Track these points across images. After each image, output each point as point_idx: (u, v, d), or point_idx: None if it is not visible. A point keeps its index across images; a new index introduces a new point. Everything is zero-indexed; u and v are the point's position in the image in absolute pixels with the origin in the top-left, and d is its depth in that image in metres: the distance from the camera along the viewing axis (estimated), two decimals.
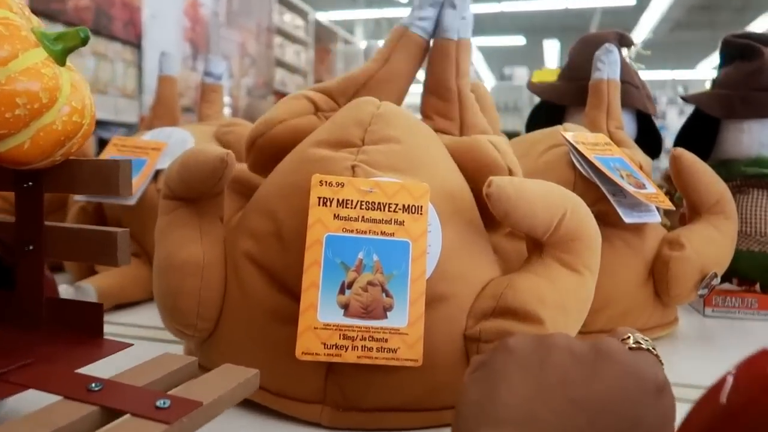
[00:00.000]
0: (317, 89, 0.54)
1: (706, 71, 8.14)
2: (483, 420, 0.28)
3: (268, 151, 0.52)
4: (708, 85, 0.89)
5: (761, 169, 0.74)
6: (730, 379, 0.22)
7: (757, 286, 0.78)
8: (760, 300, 0.75)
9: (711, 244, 0.63)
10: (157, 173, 0.78)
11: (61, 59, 0.40)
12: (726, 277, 0.72)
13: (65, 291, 0.66)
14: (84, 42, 0.40)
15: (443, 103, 0.54)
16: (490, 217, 0.49)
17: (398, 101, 0.55)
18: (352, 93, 0.53)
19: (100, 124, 2.77)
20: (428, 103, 0.55)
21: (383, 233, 0.41)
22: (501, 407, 0.28)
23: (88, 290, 0.68)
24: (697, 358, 0.60)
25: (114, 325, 0.67)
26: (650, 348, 0.32)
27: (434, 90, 0.54)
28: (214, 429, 0.33)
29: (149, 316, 0.71)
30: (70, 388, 0.33)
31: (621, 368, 0.29)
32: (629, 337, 0.33)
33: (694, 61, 7.89)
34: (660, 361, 0.32)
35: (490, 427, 0.27)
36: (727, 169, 0.75)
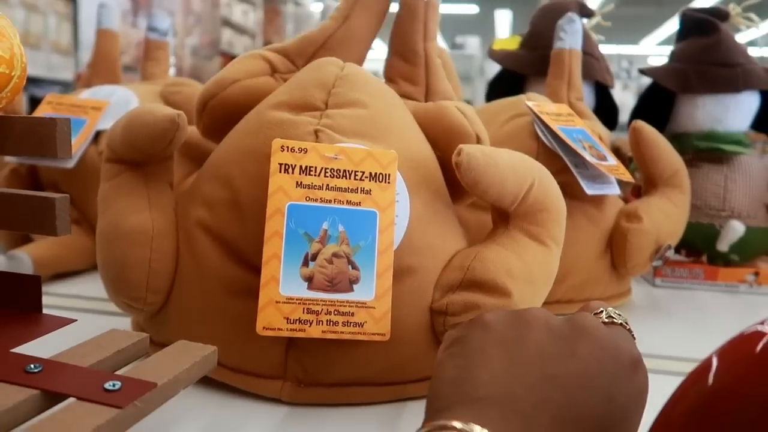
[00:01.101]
0: (274, 49, 0.51)
1: (649, 47, 8.36)
2: (459, 397, 0.27)
3: (220, 115, 0.48)
4: (651, 61, 0.90)
5: (713, 144, 0.76)
6: (714, 361, 0.22)
7: (704, 257, 0.80)
8: (706, 271, 0.78)
9: (667, 217, 0.64)
10: (98, 134, 0.73)
11: None
12: (675, 249, 0.74)
13: None
14: None
15: (409, 67, 0.51)
16: (454, 186, 0.48)
17: (359, 62, 0.52)
18: (310, 54, 0.50)
19: (32, 81, 2.58)
20: (393, 66, 0.52)
21: (349, 202, 0.39)
22: (477, 384, 0.27)
23: (23, 259, 0.63)
24: (651, 327, 0.61)
25: (52, 296, 0.63)
26: (623, 322, 0.32)
27: (400, 52, 0.52)
28: (166, 406, 0.31)
29: (91, 286, 0.67)
30: (5, 369, 0.29)
31: (598, 344, 0.29)
32: (602, 312, 0.32)
33: (638, 37, 8.08)
34: (633, 335, 0.32)
35: (466, 404, 0.26)
36: (680, 142, 0.76)
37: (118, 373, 0.31)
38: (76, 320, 0.37)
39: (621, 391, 0.28)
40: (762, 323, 0.21)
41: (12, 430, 0.27)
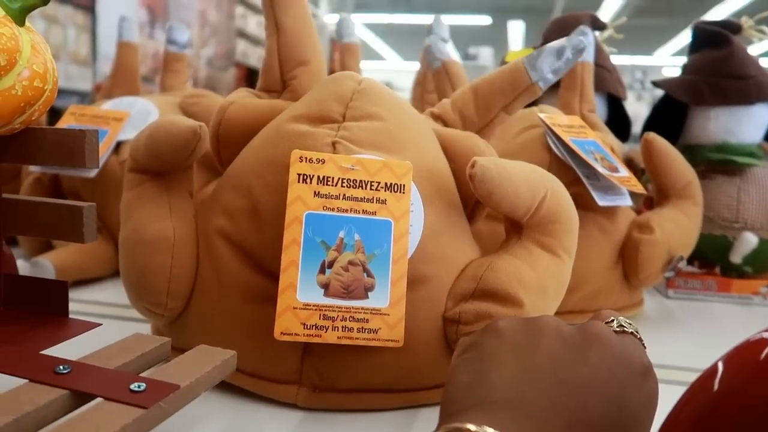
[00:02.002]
0: (251, 94, 0.52)
1: (663, 58, 8.33)
2: (473, 401, 0.28)
3: (232, 138, 0.49)
4: (665, 72, 0.90)
5: (725, 156, 0.76)
6: (720, 367, 0.23)
7: (717, 269, 0.80)
8: (719, 282, 0.77)
9: (679, 228, 0.64)
10: (119, 145, 0.75)
11: (20, 18, 0.37)
12: (688, 260, 0.74)
13: (20, 267, 0.63)
14: (45, 1, 0.37)
15: (476, 114, 0.51)
16: (468, 201, 0.49)
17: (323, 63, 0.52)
18: (278, 75, 0.51)
19: None
20: (462, 99, 0.52)
21: (365, 212, 0.40)
22: (491, 388, 0.28)
23: (45, 266, 0.65)
24: (663, 338, 0.62)
25: (74, 302, 0.64)
26: (634, 331, 0.32)
27: (475, 98, 0.51)
28: (184, 409, 0.32)
29: (111, 293, 0.69)
30: (35, 370, 0.31)
31: (609, 351, 0.30)
32: (613, 320, 0.33)
33: (652, 48, 8.06)
34: (643, 344, 0.32)
35: (479, 407, 0.27)
36: (692, 154, 0.76)
37: (142, 375, 0.32)
38: (102, 324, 0.38)
39: (631, 398, 0.29)
40: (767, 331, 0.22)
41: (43, 428, 0.28)
